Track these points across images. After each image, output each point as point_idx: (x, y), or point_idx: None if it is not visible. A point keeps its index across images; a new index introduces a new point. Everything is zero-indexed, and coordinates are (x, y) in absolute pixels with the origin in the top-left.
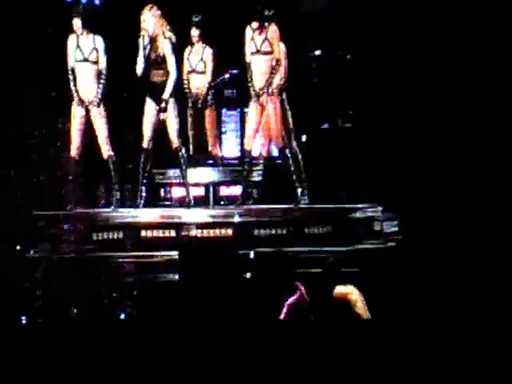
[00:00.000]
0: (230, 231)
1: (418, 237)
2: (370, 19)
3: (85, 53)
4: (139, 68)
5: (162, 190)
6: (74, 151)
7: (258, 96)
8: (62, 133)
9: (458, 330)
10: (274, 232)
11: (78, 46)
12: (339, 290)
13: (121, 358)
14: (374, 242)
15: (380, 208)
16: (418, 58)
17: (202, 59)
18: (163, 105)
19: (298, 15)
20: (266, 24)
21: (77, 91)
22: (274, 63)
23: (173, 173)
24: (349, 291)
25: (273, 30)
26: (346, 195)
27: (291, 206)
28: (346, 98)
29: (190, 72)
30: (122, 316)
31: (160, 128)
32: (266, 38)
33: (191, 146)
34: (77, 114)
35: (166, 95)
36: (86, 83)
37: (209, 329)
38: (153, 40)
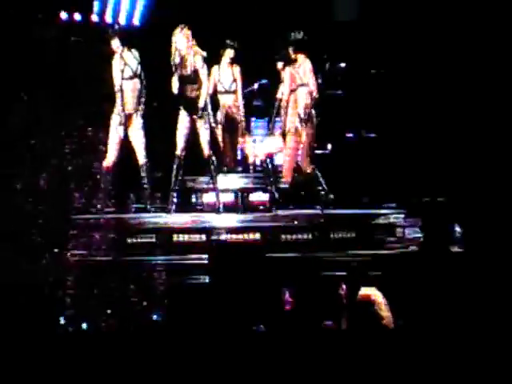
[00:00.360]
0: (258, 236)
1: (440, 242)
2: (395, 33)
3: (133, 68)
4: (175, 85)
5: (193, 196)
6: (110, 161)
7: (296, 128)
8: (95, 143)
9: (476, 333)
10: (300, 237)
11: (126, 64)
12: (364, 291)
13: (154, 359)
14: (397, 246)
15: (402, 214)
16: (437, 73)
17: (234, 80)
18: (199, 114)
19: (325, 28)
20: (298, 56)
21: (123, 105)
22: (314, 95)
23: (203, 179)
24: (372, 293)
25: (308, 66)
26: (370, 201)
27: (317, 211)
28: (370, 110)
29: (222, 93)
30: (155, 317)
31: (192, 138)
32: (303, 71)
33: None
34: (117, 125)
35: (201, 103)
36: (132, 97)
37: (238, 330)
38: (184, 58)
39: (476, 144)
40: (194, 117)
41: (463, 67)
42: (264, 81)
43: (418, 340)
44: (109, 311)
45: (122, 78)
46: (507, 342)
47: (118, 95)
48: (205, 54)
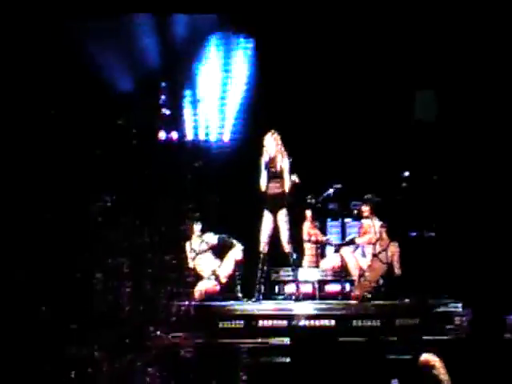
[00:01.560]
0: (333, 322)
1: (494, 330)
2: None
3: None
4: (263, 183)
5: (277, 286)
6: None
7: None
8: None
9: None
10: (369, 323)
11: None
12: (425, 357)
13: None
14: (455, 333)
15: (460, 304)
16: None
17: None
18: (282, 210)
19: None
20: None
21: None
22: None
23: (284, 271)
24: (432, 358)
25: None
26: (431, 292)
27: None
28: (430, 212)
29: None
30: None
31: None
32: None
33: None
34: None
35: (284, 200)
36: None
37: None
38: (272, 159)
39: None
40: (277, 214)
41: None
42: (338, 186)
43: None
44: None
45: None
46: None
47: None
48: (290, 158)
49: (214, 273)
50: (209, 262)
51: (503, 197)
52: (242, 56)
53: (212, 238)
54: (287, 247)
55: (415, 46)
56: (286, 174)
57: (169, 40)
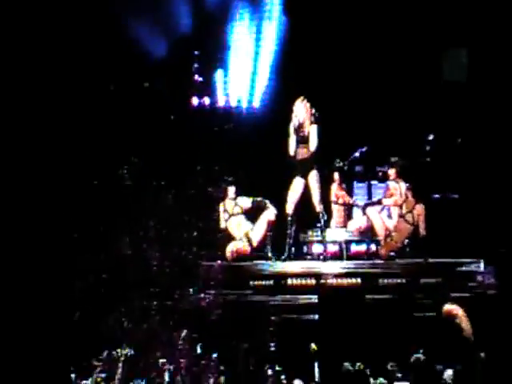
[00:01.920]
0: (359, 280)
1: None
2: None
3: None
4: (292, 148)
5: (305, 246)
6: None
7: None
8: None
9: None
10: (394, 281)
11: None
12: (447, 307)
13: None
14: (477, 290)
15: (482, 263)
16: None
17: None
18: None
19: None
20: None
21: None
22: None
23: (313, 232)
24: (454, 308)
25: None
26: (455, 252)
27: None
28: (454, 174)
29: None
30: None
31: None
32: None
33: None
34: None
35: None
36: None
37: (340, 359)
38: (301, 124)
39: None
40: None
41: None
42: (364, 148)
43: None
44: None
45: None
46: None
47: None
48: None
49: (246, 235)
50: (242, 224)
51: None
52: (273, 23)
53: (246, 202)
54: (319, 207)
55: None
56: (313, 139)
57: (201, 7)
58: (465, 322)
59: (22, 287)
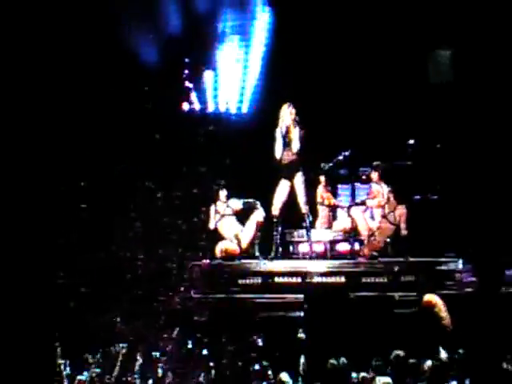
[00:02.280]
0: (343, 278)
1: (492, 285)
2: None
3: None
4: (278, 152)
5: (291, 246)
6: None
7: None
8: None
9: None
10: (377, 280)
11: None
12: (427, 297)
13: None
14: (455, 288)
15: (460, 261)
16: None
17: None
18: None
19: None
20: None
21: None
22: None
23: (298, 233)
24: (433, 298)
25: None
26: (434, 251)
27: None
28: (434, 176)
29: None
30: (259, 342)
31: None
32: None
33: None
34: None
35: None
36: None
37: (327, 353)
38: (287, 129)
39: None
40: (293, 178)
41: None
42: (347, 152)
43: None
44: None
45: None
46: None
47: None
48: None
49: (236, 236)
50: (232, 225)
51: (502, 164)
52: (261, 30)
53: (236, 204)
54: (304, 208)
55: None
56: (297, 143)
57: (190, 15)
58: (443, 312)
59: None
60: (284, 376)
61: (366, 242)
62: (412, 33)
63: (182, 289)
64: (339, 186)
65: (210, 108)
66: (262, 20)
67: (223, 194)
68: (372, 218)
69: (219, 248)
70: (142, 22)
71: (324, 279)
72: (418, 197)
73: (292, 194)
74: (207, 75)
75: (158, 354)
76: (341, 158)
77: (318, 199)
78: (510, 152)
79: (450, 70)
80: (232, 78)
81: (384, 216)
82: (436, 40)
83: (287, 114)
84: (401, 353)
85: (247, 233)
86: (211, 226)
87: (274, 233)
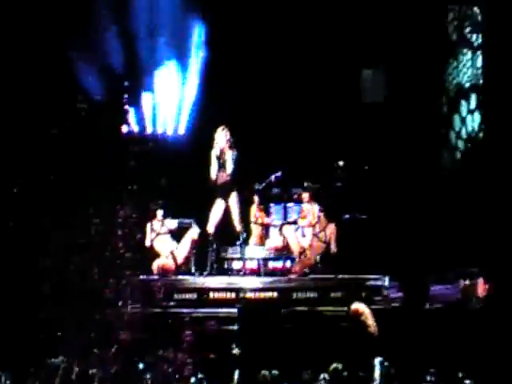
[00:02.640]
0: (275, 294)
1: (417, 301)
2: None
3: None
4: (213, 173)
5: (226, 263)
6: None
7: None
8: None
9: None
10: (307, 295)
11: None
12: (354, 306)
13: None
14: (382, 303)
15: (387, 278)
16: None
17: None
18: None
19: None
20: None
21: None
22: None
23: (233, 250)
24: (360, 306)
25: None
26: (363, 268)
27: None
28: (363, 197)
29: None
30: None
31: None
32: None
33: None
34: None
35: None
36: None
37: (261, 366)
38: (221, 151)
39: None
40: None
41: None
42: (278, 173)
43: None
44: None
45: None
46: None
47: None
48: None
49: (171, 253)
50: (167, 242)
51: (427, 186)
52: (197, 57)
53: (172, 223)
54: (239, 226)
55: (362, 25)
56: (230, 165)
57: (129, 38)
58: (370, 319)
59: None
60: None
61: (297, 259)
62: (339, 57)
63: (120, 303)
64: (272, 205)
65: (148, 130)
66: (199, 46)
67: (160, 213)
68: (303, 236)
69: (156, 265)
70: (80, 47)
71: (257, 294)
72: (347, 216)
73: (227, 212)
74: (145, 98)
75: (94, 370)
76: (272, 178)
77: (252, 218)
78: (434, 173)
79: (381, 90)
80: (169, 100)
81: (315, 234)
82: (367, 61)
83: (222, 137)
84: (339, 366)
85: (182, 250)
86: (147, 243)
87: (210, 249)
